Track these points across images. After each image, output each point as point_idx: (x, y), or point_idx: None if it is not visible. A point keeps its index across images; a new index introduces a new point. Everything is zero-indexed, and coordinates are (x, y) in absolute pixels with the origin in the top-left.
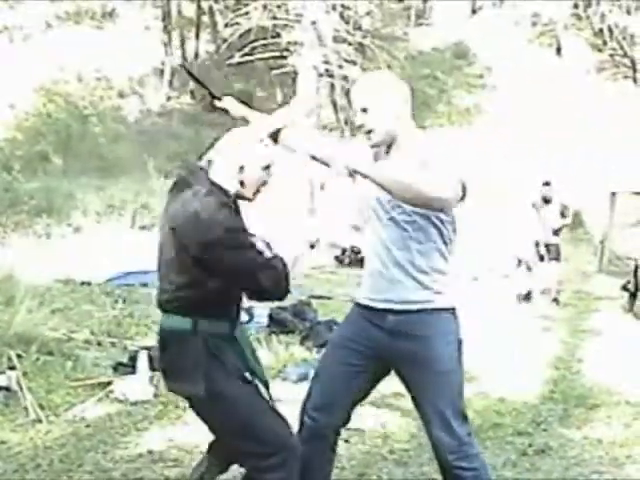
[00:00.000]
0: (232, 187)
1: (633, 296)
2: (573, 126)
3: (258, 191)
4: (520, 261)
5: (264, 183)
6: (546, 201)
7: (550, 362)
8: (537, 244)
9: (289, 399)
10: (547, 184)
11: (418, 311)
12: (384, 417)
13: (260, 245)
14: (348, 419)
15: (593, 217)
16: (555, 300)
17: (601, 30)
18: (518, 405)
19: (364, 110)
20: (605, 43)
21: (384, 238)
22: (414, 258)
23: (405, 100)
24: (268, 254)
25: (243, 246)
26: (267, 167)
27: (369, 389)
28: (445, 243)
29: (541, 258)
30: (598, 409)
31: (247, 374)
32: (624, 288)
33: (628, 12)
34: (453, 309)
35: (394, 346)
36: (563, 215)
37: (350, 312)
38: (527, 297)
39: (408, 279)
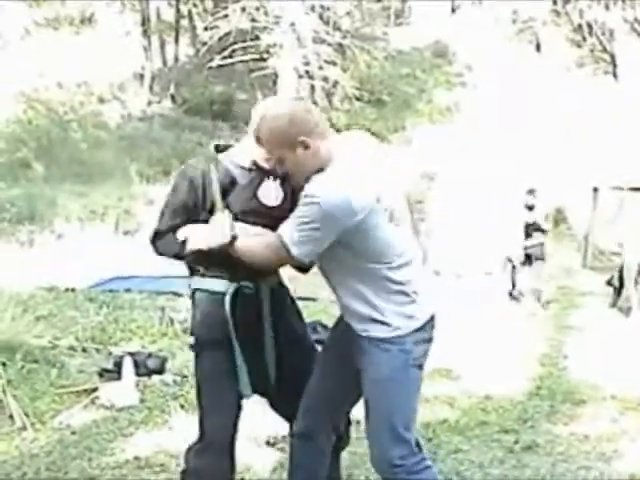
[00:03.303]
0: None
1: (618, 291)
2: (554, 122)
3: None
4: (510, 260)
5: None
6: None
7: (536, 359)
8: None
9: None
10: (531, 192)
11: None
12: None
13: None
14: (341, 424)
15: (576, 213)
16: (541, 301)
17: (580, 26)
18: (504, 402)
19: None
20: (584, 39)
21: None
22: (350, 292)
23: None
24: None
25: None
26: None
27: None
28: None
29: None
30: (584, 405)
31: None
32: (608, 283)
33: (607, 7)
34: (395, 337)
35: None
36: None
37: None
38: (516, 296)
39: (349, 310)
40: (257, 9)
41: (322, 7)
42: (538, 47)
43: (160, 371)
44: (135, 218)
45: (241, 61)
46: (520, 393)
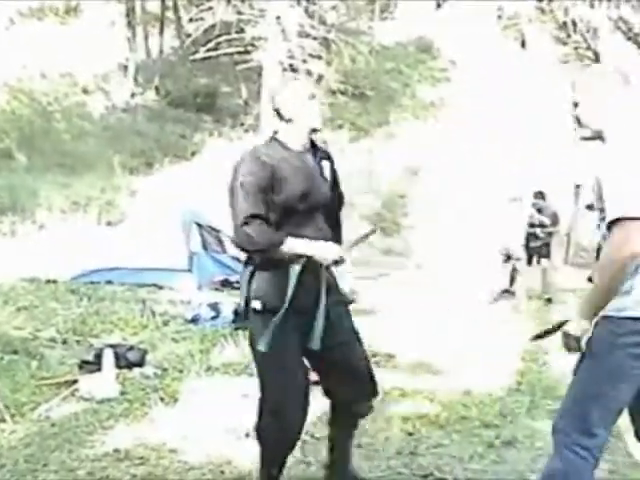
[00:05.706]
0: None
1: None
2: (537, 119)
3: None
4: (509, 257)
5: None
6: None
7: (516, 354)
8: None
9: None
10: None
11: None
12: None
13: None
14: None
15: (559, 209)
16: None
17: (565, 23)
18: (485, 397)
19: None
20: (569, 36)
21: None
22: None
23: None
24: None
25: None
26: None
27: None
28: None
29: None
30: None
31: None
32: (590, 280)
33: (591, 5)
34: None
35: None
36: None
37: None
38: (507, 293)
39: None
40: (242, 1)
41: (307, 0)
42: (523, 44)
43: (140, 363)
44: (118, 209)
45: (226, 54)
46: (500, 388)
